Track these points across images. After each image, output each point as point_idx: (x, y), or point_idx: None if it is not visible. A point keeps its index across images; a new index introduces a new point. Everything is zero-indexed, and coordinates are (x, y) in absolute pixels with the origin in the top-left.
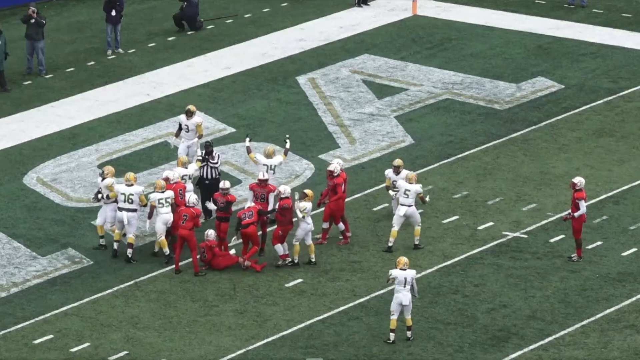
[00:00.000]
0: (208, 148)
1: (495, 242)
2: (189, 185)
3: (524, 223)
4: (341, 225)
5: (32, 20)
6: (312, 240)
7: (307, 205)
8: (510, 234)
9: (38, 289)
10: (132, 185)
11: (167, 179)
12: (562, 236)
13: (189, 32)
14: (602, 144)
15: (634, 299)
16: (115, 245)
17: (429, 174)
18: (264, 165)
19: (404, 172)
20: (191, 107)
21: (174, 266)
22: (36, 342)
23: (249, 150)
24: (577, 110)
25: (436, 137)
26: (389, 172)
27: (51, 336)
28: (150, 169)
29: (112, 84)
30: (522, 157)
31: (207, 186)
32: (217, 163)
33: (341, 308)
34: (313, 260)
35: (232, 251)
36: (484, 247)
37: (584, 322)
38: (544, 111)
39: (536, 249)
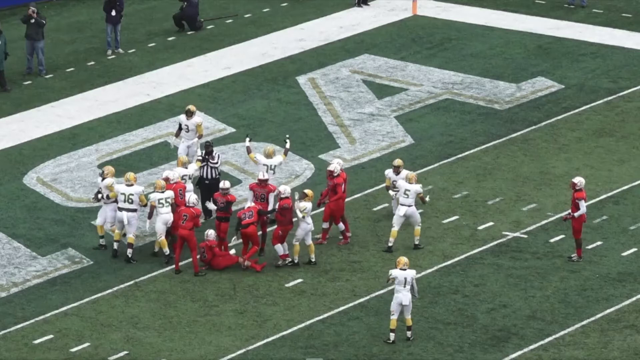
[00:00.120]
0: (208, 148)
1: (495, 242)
2: (189, 185)
3: (524, 223)
4: (341, 225)
5: (32, 20)
6: (312, 240)
7: (307, 205)
8: (510, 234)
9: (38, 289)
10: (132, 185)
11: (167, 179)
12: (562, 236)
13: (189, 32)
14: (602, 144)
15: (634, 299)
16: (115, 245)
17: (429, 174)
18: (264, 165)
19: (404, 172)
20: (191, 107)
21: (174, 266)
22: (36, 342)
23: (249, 150)
24: (577, 110)
25: (436, 137)
26: (389, 172)
27: (51, 336)
28: (150, 169)
29: (112, 84)
30: (522, 157)
31: (207, 186)
32: (217, 163)
33: (341, 308)
34: (313, 260)
35: (232, 251)
36: (484, 247)
37: (584, 322)
38: (544, 111)
39: (536, 249)
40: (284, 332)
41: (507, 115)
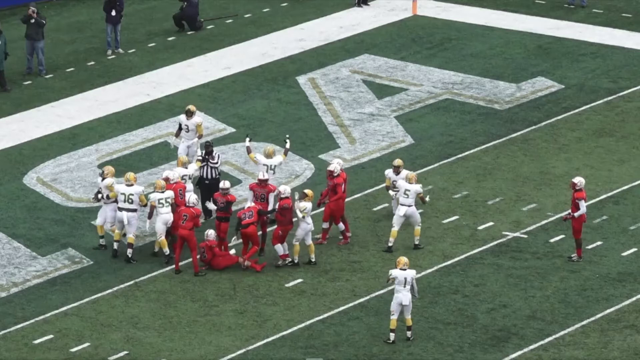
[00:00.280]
0: (208, 148)
1: (495, 242)
2: (189, 185)
3: (524, 223)
4: (341, 225)
5: (32, 20)
6: (312, 240)
7: (307, 205)
8: (510, 234)
9: (38, 289)
10: (132, 185)
11: (167, 179)
12: (562, 236)
13: (189, 32)
14: (602, 144)
15: (634, 299)
16: (115, 246)
17: (429, 174)
18: (264, 165)
19: (404, 172)
20: (191, 107)
21: (174, 266)
22: (36, 342)
23: (249, 150)
24: (577, 110)
25: (436, 137)
26: (389, 172)
27: (51, 336)
28: (150, 169)
29: (112, 84)
30: (522, 157)
31: (207, 186)
32: (217, 163)
33: (341, 308)
34: (313, 260)
35: (232, 251)
36: (484, 247)
37: (584, 322)
38: (544, 111)
39: (536, 249)
40: (284, 332)
41: (507, 115)
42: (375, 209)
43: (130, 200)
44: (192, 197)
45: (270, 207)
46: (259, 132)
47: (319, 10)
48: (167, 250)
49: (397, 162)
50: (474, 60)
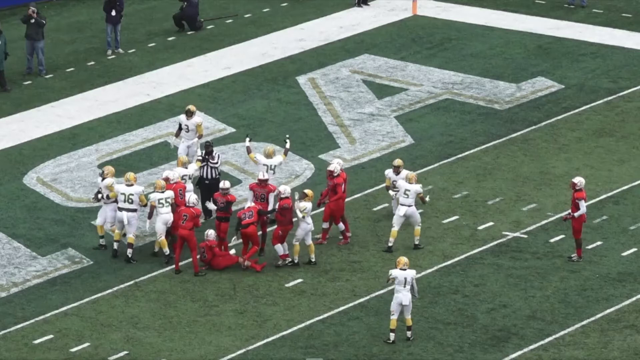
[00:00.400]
0: (208, 148)
1: (495, 242)
2: (189, 186)
3: (524, 223)
4: (341, 225)
5: (32, 20)
6: (312, 240)
7: (307, 205)
8: (510, 234)
9: (38, 289)
10: (132, 185)
11: (167, 179)
12: (562, 236)
13: (189, 32)
14: (602, 144)
15: (634, 299)
16: (115, 246)
17: (429, 174)
18: (264, 165)
19: (404, 172)
20: (191, 107)
21: (173, 266)
22: (36, 342)
23: (248, 150)
24: (577, 110)
25: (436, 137)
26: (389, 172)
27: (51, 336)
28: (150, 169)
29: (112, 84)
30: (522, 157)
31: (207, 186)
32: (217, 163)
33: (341, 308)
34: (313, 260)
35: (232, 251)
36: (484, 247)
37: (584, 322)
38: (544, 111)
39: (536, 249)
40: (284, 332)
41: (507, 115)
42: (375, 209)
43: (130, 200)
44: (192, 197)
45: (270, 207)
46: (259, 132)
47: (319, 10)
48: (167, 250)
49: (397, 162)
50: (474, 60)
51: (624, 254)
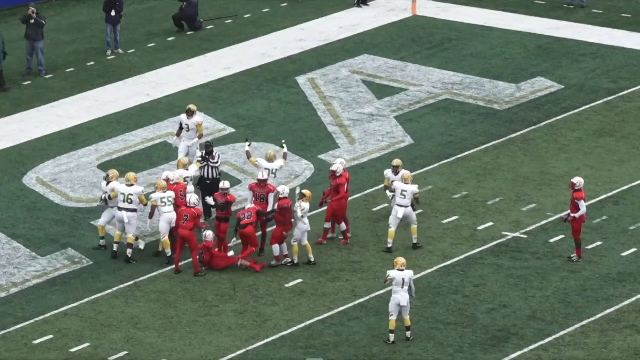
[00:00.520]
0: (208, 148)
1: (494, 242)
2: (190, 187)
3: (523, 223)
4: (342, 225)
5: (32, 21)
6: (306, 240)
7: (305, 205)
8: (509, 234)
9: (38, 289)
10: (132, 185)
11: (167, 180)
12: (561, 236)
13: (189, 32)
14: (602, 144)
15: (633, 299)
16: (115, 247)
17: (429, 174)
18: (265, 169)
19: (402, 172)
20: (191, 106)
21: (173, 266)
22: (36, 342)
23: (248, 155)
24: (576, 110)
25: (436, 137)
26: (388, 172)
27: (51, 336)
28: (149, 169)
29: (112, 84)
30: (521, 157)
31: (207, 186)
32: (217, 163)
33: (341, 308)
34: (312, 260)
35: (231, 252)
36: (484, 247)
37: (584, 322)
38: (544, 111)
39: (536, 249)
40: (284, 332)
41: (506, 115)
42: (374, 209)
43: (129, 200)
44: (192, 197)
45: (269, 208)
46: (258, 132)
47: (318, 10)
48: (168, 252)
49: (396, 162)
50: (474, 60)
51: (624, 254)
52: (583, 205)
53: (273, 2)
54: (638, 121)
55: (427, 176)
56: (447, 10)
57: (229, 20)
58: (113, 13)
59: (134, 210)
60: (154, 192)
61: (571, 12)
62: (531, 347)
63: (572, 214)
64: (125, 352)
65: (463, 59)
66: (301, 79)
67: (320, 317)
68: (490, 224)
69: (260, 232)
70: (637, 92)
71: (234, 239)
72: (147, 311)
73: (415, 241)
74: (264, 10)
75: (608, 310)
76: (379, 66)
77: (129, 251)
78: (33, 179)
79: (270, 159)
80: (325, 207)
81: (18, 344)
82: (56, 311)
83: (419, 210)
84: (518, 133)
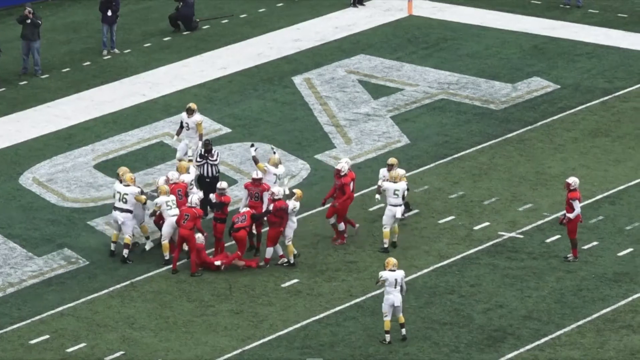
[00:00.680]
0: (207, 146)
1: (491, 242)
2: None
3: (519, 223)
4: (341, 225)
5: (28, 21)
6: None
7: (296, 204)
8: (506, 234)
9: (34, 289)
10: (128, 185)
11: (167, 179)
12: (558, 236)
13: (185, 32)
14: (598, 144)
15: (630, 299)
16: (113, 247)
17: (425, 174)
18: (274, 175)
19: (398, 171)
20: (192, 105)
21: (170, 266)
22: (32, 342)
23: (256, 161)
24: (572, 111)
25: (432, 137)
26: (383, 171)
27: (47, 336)
28: (146, 169)
29: (108, 84)
30: (517, 157)
31: (207, 184)
32: (216, 161)
33: (337, 308)
34: (292, 261)
35: (217, 263)
36: (480, 247)
37: (580, 322)
38: (540, 111)
39: (532, 249)
40: (280, 333)
41: (502, 116)
42: (371, 209)
43: (124, 200)
44: (194, 197)
45: (265, 206)
46: (255, 132)
47: (314, 10)
48: (167, 255)
49: (391, 160)
50: (470, 61)
51: (620, 254)
52: (578, 206)
53: (269, 2)
54: (634, 121)
55: (423, 176)
56: (443, 11)
57: (225, 21)
58: (109, 13)
59: (129, 211)
60: (158, 196)
61: (567, 12)
62: (527, 347)
63: (567, 215)
64: (122, 352)
65: (459, 59)
66: (297, 79)
67: (317, 318)
68: (487, 224)
69: (255, 232)
70: (633, 92)
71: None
72: (144, 311)
73: (395, 240)
74: (260, 10)
75: (604, 311)
76: (375, 66)
77: (125, 252)
78: (29, 179)
79: (275, 165)
80: (323, 207)
81: (14, 344)
82: (53, 311)
83: (415, 210)
84: (514, 133)
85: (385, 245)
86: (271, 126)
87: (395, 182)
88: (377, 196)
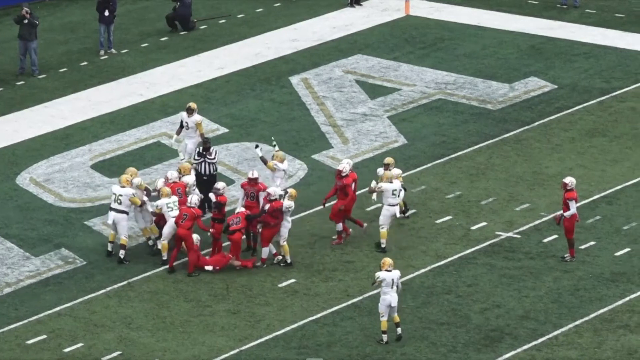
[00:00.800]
0: (206, 144)
1: (488, 242)
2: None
3: (517, 223)
4: (339, 226)
5: (25, 21)
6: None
7: (290, 203)
8: (503, 234)
9: (31, 289)
10: (124, 187)
11: (166, 179)
12: (555, 236)
13: (182, 33)
14: (595, 144)
15: (627, 299)
16: (110, 247)
17: (422, 174)
18: (282, 170)
19: (395, 171)
20: (192, 105)
21: (167, 265)
22: (29, 342)
23: (265, 161)
24: (570, 111)
25: (429, 137)
26: (381, 171)
27: (44, 336)
28: (143, 169)
29: (105, 84)
30: (515, 157)
31: (204, 182)
32: (214, 159)
33: (334, 308)
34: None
35: (208, 268)
36: (477, 247)
37: (577, 322)
38: (537, 111)
39: (529, 249)
40: (277, 333)
41: (500, 116)
42: (368, 209)
43: (119, 201)
44: (194, 197)
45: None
46: (252, 132)
47: (311, 10)
48: (165, 256)
49: (388, 160)
50: (467, 61)
51: (617, 254)
52: (574, 206)
53: (266, 2)
54: (631, 121)
55: (420, 176)
56: (440, 11)
57: (223, 21)
58: (107, 13)
59: (124, 212)
60: (160, 198)
61: (564, 12)
62: (525, 347)
63: (564, 214)
64: (119, 352)
65: (456, 59)
66: (294, 79)
67: (314, 318)
68: (484, 224)
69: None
70: (630, 92)
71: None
72: (141, 311)
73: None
74: (258, 10)
75: (601, 310)
76: (373, 66)
77: (121, 252)
78: (26, 179)
79: (281, 161)
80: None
81: (11, 344)
82: (50, 311)
83: (412, 211)
84: (511, 133)
85: (383, 245)
86: (268, 126)
87: (390, 182)
88: (374, 197)
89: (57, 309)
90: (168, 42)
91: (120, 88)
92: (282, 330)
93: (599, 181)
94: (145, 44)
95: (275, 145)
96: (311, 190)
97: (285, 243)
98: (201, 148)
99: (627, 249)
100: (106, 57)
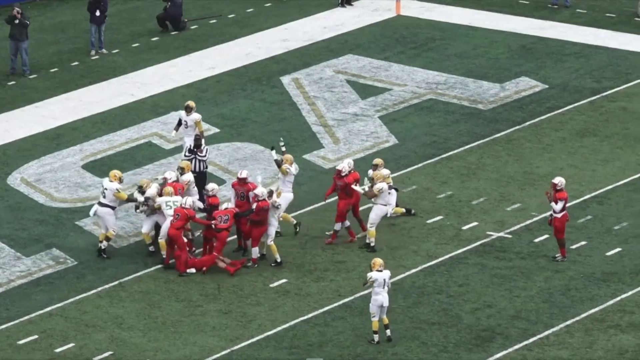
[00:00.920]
0: (197, 141)
1: (479, 242)
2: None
3: (508, 223)
4: (337, 225)
5: (16, 21)
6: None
7: (276, 199)
8: (494, 234)
9: (22, 290)
10: (112, 182)
11: (165, 179)
12: (546, 236)
13: (173, 33)
14: (586, 144)
15: (618, 298)
16: (103, 245)
17: (413, 174)
18: (293, 174)
19: (384, 171)
20: (190, 103)
21: (159, 266)
22: (20, 342)
23: (279, 164)
24: (560, 110)
25: (420, 137)
26: (371, 172)
27: (35, 337)
28: (134, 169)
29: (96, 84)
30: (506, 157)
31: (195, 179)
32: (205, 157)
33: (325, 308)
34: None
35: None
36: (468, 247)
37: (569, 322)
38: (528, 111)
39: (520, 249)
40: (269, 333)
41: (491, 115)
42: (360, 209)
43: (103, 194)
44: (188, 199)
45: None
46: (243, 132)
47: (302, 10)
48: (163, 254)
49: (377, 160)
50: (458, 60)
51: (608, 253)
52: (561, 205)
53: (257, 2)
54: (622, 121)
55: (411, 176)
56: (431, 10)
57: (213, 21)
58: (98, 13)
59: (108, 206)
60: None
61: (555, 12)
62: (516, 347)
63: (554, 213)
64: (110, 353)
65: (447, 59)
66: (285, 79)
67: (305, 317)
68: (475, 224)
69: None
70: (621, 92)
71: (199, 232)
72: (132, 311)
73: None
74: (248, 10)
75: (592, 310)
76: (364, 66)
77: (103, 244)
78: (17, 179)
79: (291, 163)
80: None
81: (2, 344)
82: (41, 311)
83: (403, 210)
84: (502, 133)
85: (372, 244)
86: (259, 126)
87: (379, 182)
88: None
89: (48, 309)
90: (159, 42)
91: (111, 88)
92: (274, 330)
93: (589, 181)
94: (136, 44)
95: (283, 146)
96: (302, 190)
97: (272, 243)
98: (192, 145)
99: (618, 249)
100: (97, 57)
